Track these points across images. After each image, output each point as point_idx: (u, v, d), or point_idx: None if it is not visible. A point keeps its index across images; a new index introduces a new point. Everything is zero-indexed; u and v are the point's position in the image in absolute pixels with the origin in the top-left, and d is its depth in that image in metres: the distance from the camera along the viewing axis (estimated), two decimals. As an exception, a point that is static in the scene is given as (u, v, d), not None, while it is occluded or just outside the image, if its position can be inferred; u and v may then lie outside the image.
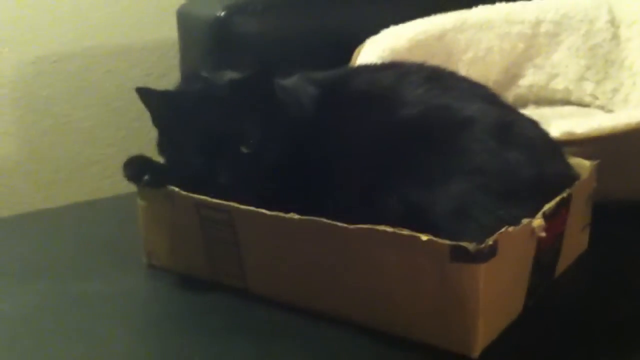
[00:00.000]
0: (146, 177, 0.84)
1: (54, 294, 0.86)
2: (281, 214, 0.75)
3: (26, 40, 1.62)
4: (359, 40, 1.26)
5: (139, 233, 0.91)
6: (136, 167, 0.86)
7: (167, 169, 0.85)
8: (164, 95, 0.86)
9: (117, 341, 0.77)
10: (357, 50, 1.24)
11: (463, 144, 0.78)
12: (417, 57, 1.13)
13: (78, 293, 0.86)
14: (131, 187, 0.88)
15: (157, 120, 0.86)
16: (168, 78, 1.70)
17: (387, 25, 1.30)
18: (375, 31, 1.28)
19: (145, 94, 0.85)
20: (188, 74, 0.93)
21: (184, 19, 1.43)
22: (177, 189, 0.82)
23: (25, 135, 1.66)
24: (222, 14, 1.33)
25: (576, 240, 0.86)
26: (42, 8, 1.63)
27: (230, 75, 0.87)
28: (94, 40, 1.68)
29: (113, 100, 1.70)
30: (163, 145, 0.86)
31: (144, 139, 1.55)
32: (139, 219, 0.90)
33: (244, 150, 0.81)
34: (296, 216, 0.75)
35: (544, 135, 0.85)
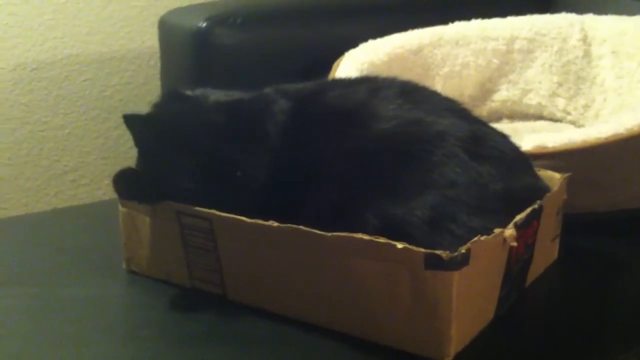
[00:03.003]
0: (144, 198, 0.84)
1: (32, 300, 0.86)
2: (260, 222, 0.77)
3: (6, 47, 1.63)
4: (338, 53, 1.28)
5: (118, 239, 0.91)
6: (130, 186, 0.86)
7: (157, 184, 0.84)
8: (150, 119, 0.86)
9: (95, 347, 0.77)
10: (335, 64, 1.26)
11: (436, 157, 0.80)
12: (395, 71, 1.15)
13: (57, 299, 0.86)
14: (109, 194, 0.88)
15: (140, 143, 0.86)
16: (147, 87, 1.71)
17: (365, 39, 1.33)
18: (353, 45, 1.30)
19: (132, 120, 0.85)
20: (169, 90, 0.93)
21: (166, 29, 1.44)
22: (158, 197, 0.83)
23: (3, 142, 1.66)
24: (204, 25, 1.35)
25: (546, 251, 0.88)
26: (21, 16, 1.63)
27: (212, 94, 0.87)
28: (73, 49, 1.69)
29: (92, 108, 1.70)
30: (146, 167, 0.86)
31: (123, 147, 1.56)
32: (119, 225, 0.91)
33: (238, 174, 0.82)
34: (275, 224, 0.76)
35: (514, 148, 0.87)
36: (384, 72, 1.14)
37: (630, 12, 1.35)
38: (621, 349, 0.77)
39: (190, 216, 0.82)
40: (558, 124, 1.36)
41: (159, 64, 1.50)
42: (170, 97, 0.91)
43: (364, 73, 1.21)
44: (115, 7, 1.72)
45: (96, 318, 0.83)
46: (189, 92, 0.89)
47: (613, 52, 1.32)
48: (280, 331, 0.78)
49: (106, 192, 0.86)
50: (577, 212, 0.89)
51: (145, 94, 1.70)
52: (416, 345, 0.72)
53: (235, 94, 0.87)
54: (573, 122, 1.35)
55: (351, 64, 1.24)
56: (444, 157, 0.80)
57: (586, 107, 1.35)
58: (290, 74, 1.02)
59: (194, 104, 0.86)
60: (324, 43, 1.39)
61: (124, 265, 0.92)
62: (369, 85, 0.89)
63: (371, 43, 1.33)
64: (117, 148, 1.63)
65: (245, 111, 0.84)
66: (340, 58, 1.27)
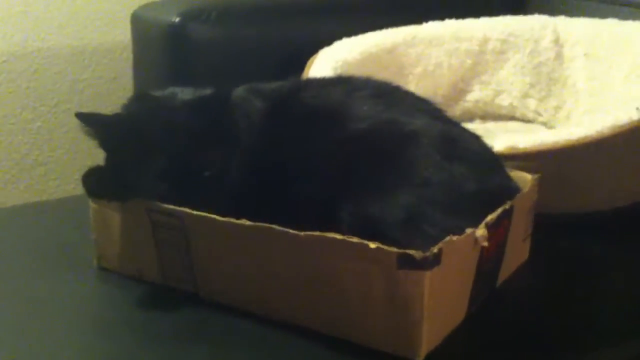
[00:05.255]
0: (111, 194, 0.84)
1: (1, 295, 0.85)
2: (233, 220, 0.77)
3: (-25, 39, 1.61)
4: (312, 50, 1.28)
5: (89, 235, 0.91)
6: (99, 184, 0.85)
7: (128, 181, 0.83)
8: (115, 119, 0.85)
9: (65, 344, 0.77)
10: (310, 61, 1.26)
11: (410, 157, 0.81)
12: (369, 70, 1.15)
13: (26, 295, 0.85)
14: (80, 189, 0.87)
15: (108, 144, 0.85)
16: (119, 81, 1.69)
17: (340, 37, 1.33)
18: (328, 42, 1.31)
19: (88, 119, 0.84)
20: (138, 93, 0.92)
21: (138, 24, 1.43)
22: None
23: (-29, 135, 1.64)
24: (177, 20, 1.34)
25: (517, 251, 0.89)
26: (-9, 7, 1.61)
27: (182, 93, 0.87)
28: (44, 42, 1.66)
29: (62, 102, 1.68)
30: (115, 167, 0.84)
31: (94, 142, 1.54)
32: (90, 221, 0.90)
33: (207, 174, 0.81)
34: (247, 222, 0.76)
35: (486, 149, 0.88)
36: (358, 71, 1.15)
37: (603, 15, 1.36)
38: (591, 346, 0.78)
39: (161, 214, 0.81)
40: (530, 125, 1.37)
41: (131, 58, 1.49)
42: (138, 99, 0.90)
43: (338, 71, 1.22)
44: (87, 1, 1.70)
45: (66, 316, 0.82)
46: (157, 93, 0.89)
47: (585, 55, 1.33)
48: (253, 330, 0.77)
49: (77, 186, 0.85)
50: (548, 212, 0.89)
51: (116, 87, 1.68)
52: (389, 344, 0.72)
53: (206, 93, 0.86)
54: (544, 123, 1.37)
55: (325, 62, 1.25)
56: (418, 157, 0.81)
57: (557, 108, 1.36)
58: (265, 70, 1.01)
59: (162, 104, 0.86)
60: (299, 40, 1.38)
61: (95, 262, 0.91)
62: (344, 86, 0.90)
63: (345, 41, 1.33)
64: (87, 143, 1.61)
65: (215, 111, 0.83)
66: (315, 56, 1.27)
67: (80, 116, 0.84)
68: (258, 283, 0.79)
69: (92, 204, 0.89)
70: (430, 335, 0.71)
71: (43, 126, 1.68)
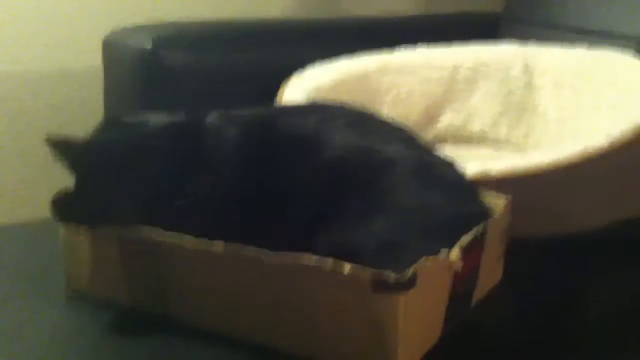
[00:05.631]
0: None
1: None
2: (204, 242, 0.76)
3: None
4: (285, 76, 1.29)
5: (58, 260, 0.89)
6: (68, 208, 0.83)
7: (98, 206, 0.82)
8: (85, 145, 0.84)
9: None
10: (282, 87, 1.26)
11: (385, 184, 0.81)
12: (341, 96, 1.15)
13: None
14: (49, 213, 0.86)
15: (76, 170, 0.84)
16: (90, 105, 1.68)
17: (313, 63, 1.33)
18: (300, 68, 1.31)
19: (58, 144, 0.83)
20: (108, 118, 0.91)
21: (110, 49, 1.43)
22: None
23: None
24: (150, 46, 1.34)
25: (491, 271, 0.89)
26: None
27: (154, 119, 0.86)
28: (14, 65, 1.65)
29: (32, 125, 1.66)
30: (84, 192, 0.83)
31: (64, 166, 1.52)
32: (60, 245, 0.88)
33: (178, 203, 0.80)
34: (220, 246, 0.75)
35: (460, 175, 0.89)
36: (330, 97, 1.16)
37: (573, 43, 1.38)
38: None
39: (131, 239, 0.80)
40: (501, 152, 1.38)
41: (102, 83, 1.48)
42: (109, 124, 0.89)
43: (311, 97, 1.22)
44: (58, 25, 1.69)
45: (35, 344, 0.80)
46: (129, 119, 0.88)
47: (554, 83, 1.35)
48: (225, 353, 0.76)
49: (46, 211, 0.84)
50: (522, 234, 0.90)
51: (87, 111, 1.67)
52: (364, 367, 0.71)
53: (179, 119, 0.85)
54: (515, 148, 1.38)
55: (298, 88, 1.25)
56: (393, 185, 0.82)
57: (527, 135, 1.38)
58: (239, 96, 1.01)
59: (133, 129, 0.85)
60: (272, 66, 1.39)
61: (65, 288, 0.89)
62: (318, 114, 0.90)
63: (318, 68, 1.34)
64: (57, 165, 1.59)
65: (188, 137, 0.83)
66: (287, 81, 1.28)
67: (50, 141, 0.83)
68: (231, 306, 0.78)
69: (61, 229, 0.88)
70: (405, 357, 0.71)
71: (15, 147, 1.66)
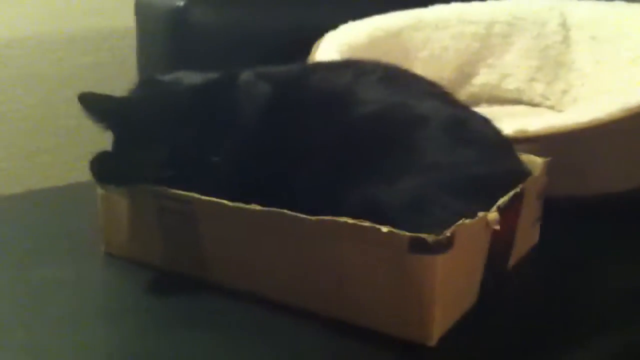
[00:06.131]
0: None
1: (9, 281, 0.85)
2: (242, 205, 0.76)
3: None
4: (318, 35, 1.27)
5: (97, 222, 0.90)
6: (106, 169, 0.84)
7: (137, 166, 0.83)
8: (121, 102, 0.84)
9: (71, 330, 0.76)
10: (315, 45, 1.25)
11: (418, 140, 0.80)
12: (374, 54, 1.15)
13: (32, 281, 0.85)
14: (86, 175, 0.86)
15: (112, 128, 0.84)
16: (120, 67, 1.68)
17: (346, 21, 1.32)
18: (334, 26, 1.30)
19: (93, 101, 0.82)
20: (144, 77, 0.91)
21: (142, 8, 1.42)
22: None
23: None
24: (182, 3, 1.33)
25: (528, 234, 0.88)
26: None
27: (188, 77, 0.86)
28: (43, 26, 1.65)
29: (64, 88, 1.67)
30: (122, 151, 0.84)
31: (95, 128, 1.53)
32: (97, 207, 0.89)
33: (214, 159, 0.81)
34: (257, 207, 0.75)
35: (496, 132, 0.87)
36: (364, 55, 1.14)
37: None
38: (600, 334, 0.77)
39: (169, 199, 0.81)
40: (537, 109, 1.36)
41: (132, 44, 1.48)
42: (145, 83, 0.90)
43: (344, 55, 1.21)
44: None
45: (71, 301, 0.81)
46: (163, 78, 0.88)
47: (592, 37, 1.32)
48: (262, 315, 0.77)
49: (82, 173, 0.84)
50: (557, 195, 0.89)
51: (117, 74, 1.67)
52: (400, 329, 0.72)
53: (212, 77, 0.85)
54: (551, 107, 1.36)
55: (331, 46, 1.24)
56: (427, 140, 0.80)
57: (564, 92, 1.35)
58: (270, 54, 1.00)
59: (168, 88, 0.85)
60: (305, 24, 1.38)
61: (102, 248, 0.90)
62: (352, 70, 0.89)
63: (351, 25, 1.32)
64: (90, 129, 1.60)
65: (221, 95, 0.82)
66: (321, 40, 1.26)
67: (83, 100, 0.83)
68: (267, 268, 0.78)
69: (99, 190, 0.88)
70: (441, 320, 0.71)
71: (45, 113, 1.67)
